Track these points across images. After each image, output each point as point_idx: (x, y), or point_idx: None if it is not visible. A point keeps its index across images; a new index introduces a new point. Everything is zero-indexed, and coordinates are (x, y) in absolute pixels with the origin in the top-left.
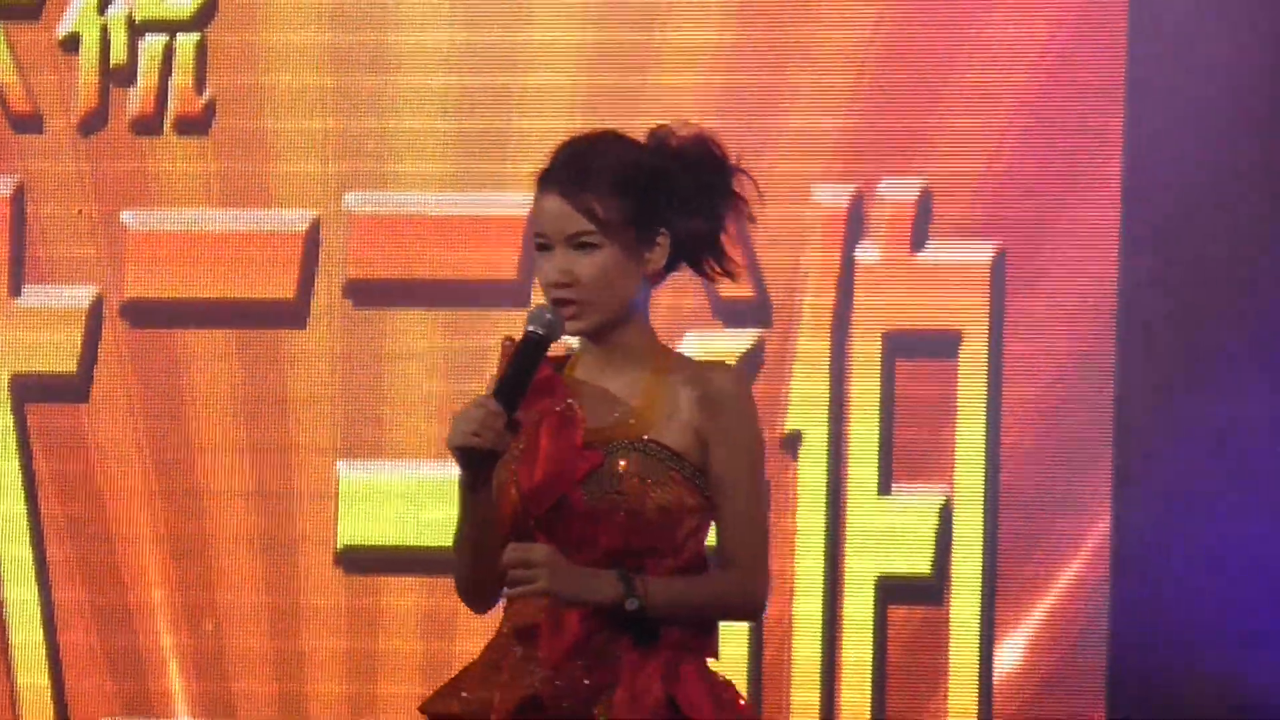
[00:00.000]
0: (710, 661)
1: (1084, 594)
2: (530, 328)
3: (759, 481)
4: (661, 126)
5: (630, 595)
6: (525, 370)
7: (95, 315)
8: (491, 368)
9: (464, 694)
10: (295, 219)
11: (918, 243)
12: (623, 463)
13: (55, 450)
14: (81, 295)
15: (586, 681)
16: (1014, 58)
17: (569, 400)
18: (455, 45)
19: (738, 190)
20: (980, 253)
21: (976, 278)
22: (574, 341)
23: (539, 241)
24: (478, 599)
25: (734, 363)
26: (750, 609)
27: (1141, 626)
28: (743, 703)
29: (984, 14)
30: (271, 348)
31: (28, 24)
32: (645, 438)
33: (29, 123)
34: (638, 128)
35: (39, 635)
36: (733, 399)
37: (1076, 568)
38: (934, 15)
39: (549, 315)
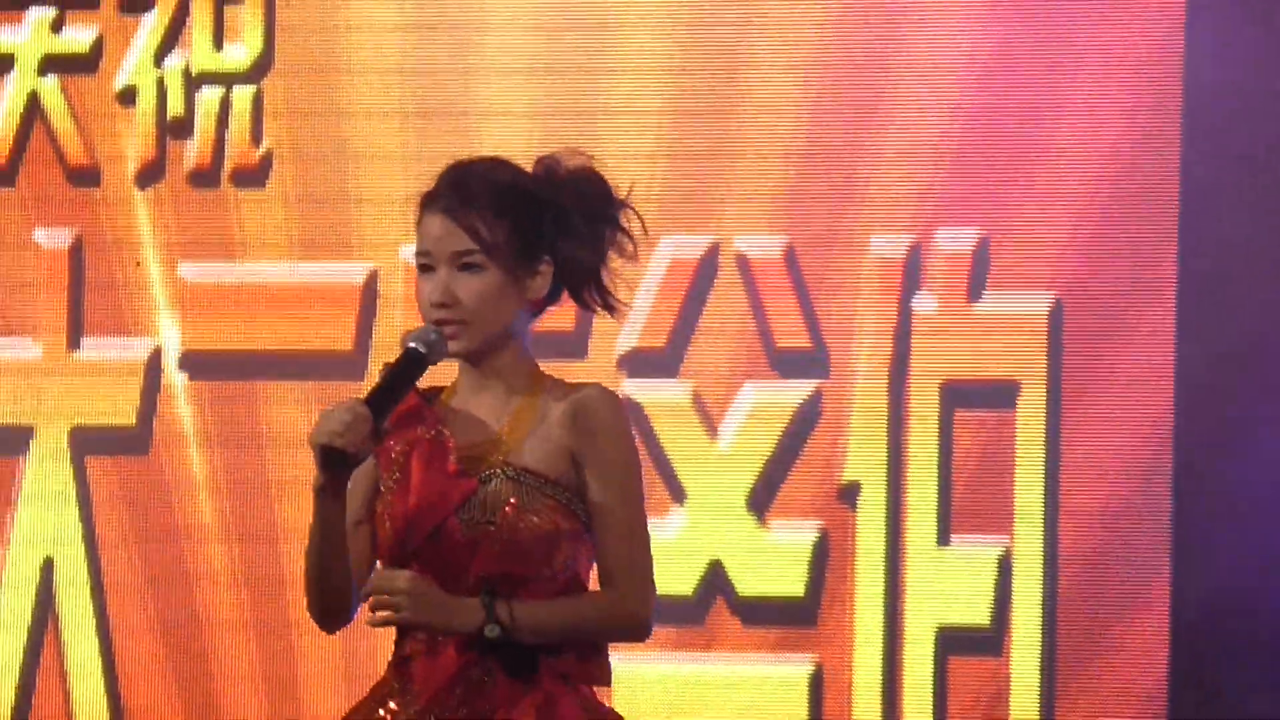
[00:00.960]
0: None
1: (1144, 649)
2: (412, 344)
3: (636, 498)
4: (549, 155)
5: (491, 621)
6: (400, 383)
7: (154, 367)
8: None
9: None
10: (353, 271)
11: (975, 293)
12: (496, 491)
13: (116, 502)
14: (140, 347)
15: (463, 712)
16: (1072, 110)
17: (438, 428)
18: (528, 98)
19: (624, 225)
20: (1038, 304)
21: (1034, 328)
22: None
23: (421, 262)
24: (325, 616)
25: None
26: (633, 627)
27: (1201, 683)
28: None
29: (1042, 68)
30: (331, 398)
31: (85, 76)
32: (519, 465)
33: (87, 175)
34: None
35: (100, 688)
36: (604, 418)
37: (1136, 621)
38: (992, 70)
39: (434, 336)
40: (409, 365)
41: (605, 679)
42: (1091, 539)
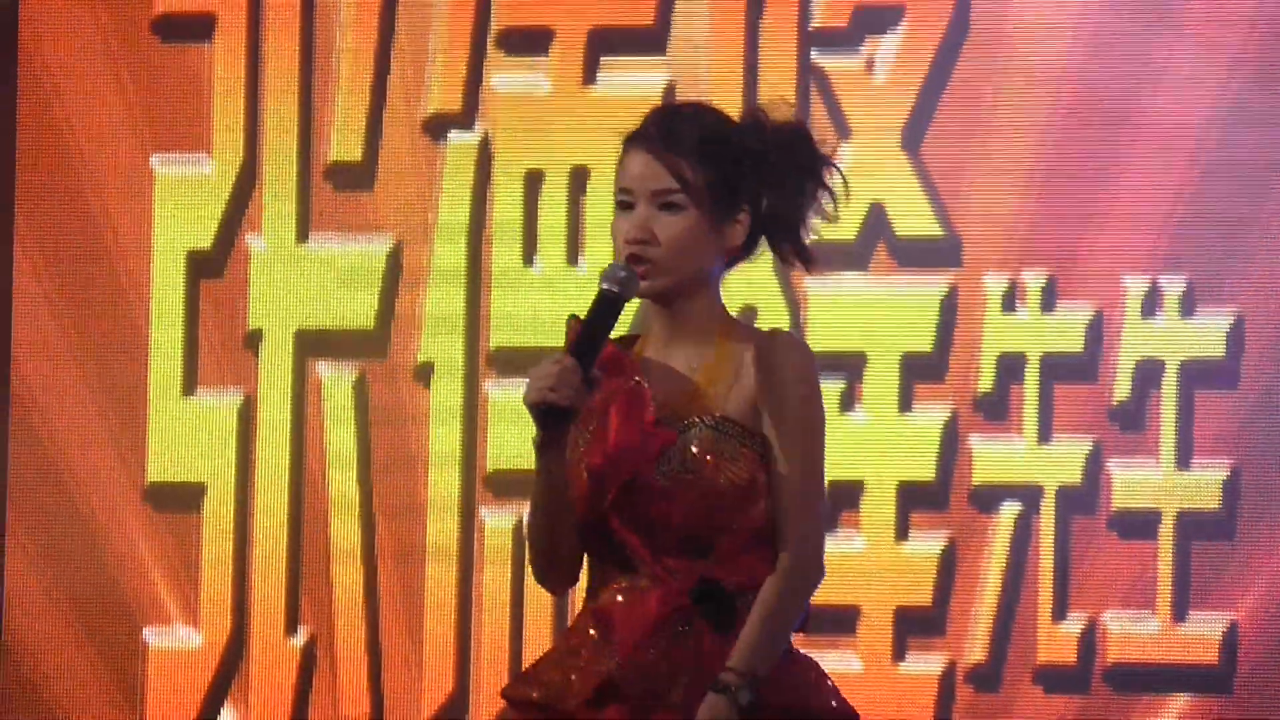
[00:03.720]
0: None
1: None
2: (605, 285)
3: (811, 445)
4: (758, 106)
5: (742, 688)
6: (600, 327)
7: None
8: None
9: (543, 679)
10: None
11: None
12: (696, 441)
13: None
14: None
15: (664, 666)
16: None
17: (637, 378)
18: None
19: (827, 182)
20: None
21: None
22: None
23: (622, 199)
24: (554, 577)
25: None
26: (809, 586)
27: None
28: (829, 683)
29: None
30: None
31: None
32: (718, 414)
33: None
34: None
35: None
36: (787, 362)
37: None
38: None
39: (623, 273)
40: (605, 307)
41: (804, 625)
42: None
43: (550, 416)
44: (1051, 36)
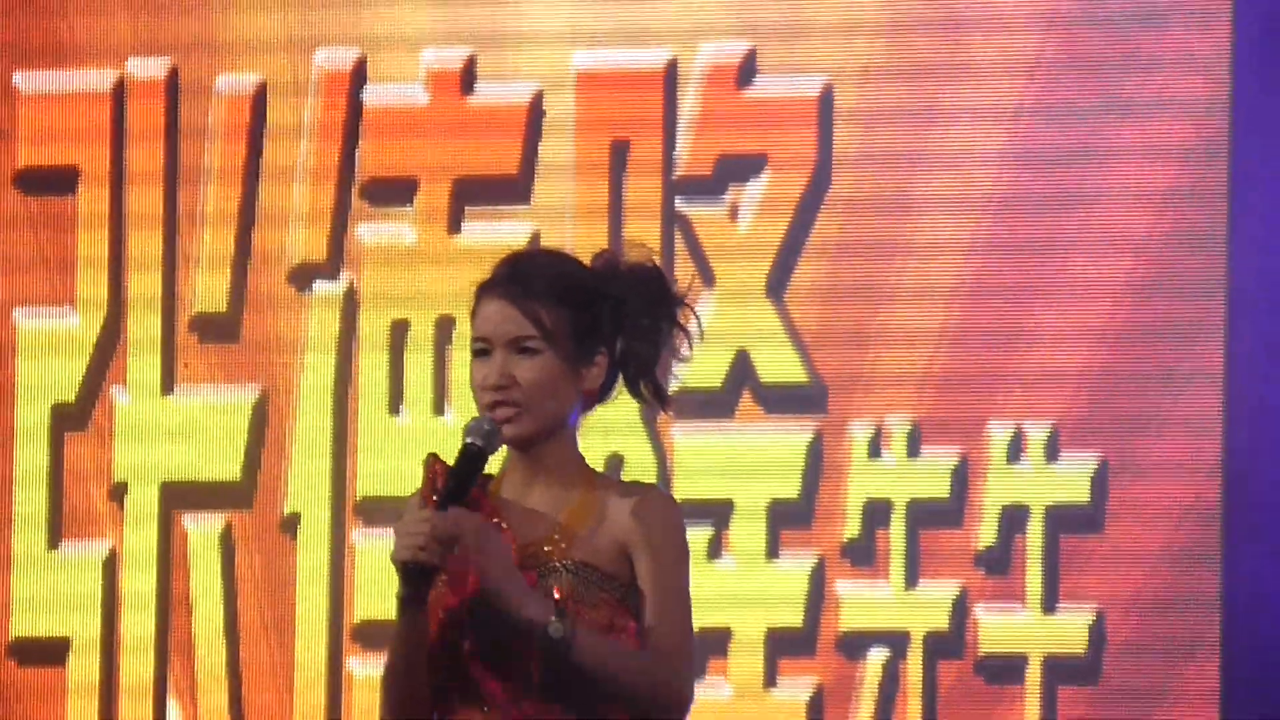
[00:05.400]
0: None
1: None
2: (469, 439)
3: (682, 588)
4: (609, 250)
5: (560, 619)
6: (465, 482)
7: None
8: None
9: None
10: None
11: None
12: (555, 585)
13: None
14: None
15: None
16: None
17: (495, 520)
18: None
19: (681, 322)
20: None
21: None
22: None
23: (478, 346)
24: (410, 716)
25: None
26: (672, 699)
27: None
28: None
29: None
30: None
31: None
32: (577, 559)
33: None
34: None
35: None
36: (658, 512)
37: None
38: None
39: (487, 426)
40: (470, 461)
41: None
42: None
43: (415, 573)
44: (916, 186)
